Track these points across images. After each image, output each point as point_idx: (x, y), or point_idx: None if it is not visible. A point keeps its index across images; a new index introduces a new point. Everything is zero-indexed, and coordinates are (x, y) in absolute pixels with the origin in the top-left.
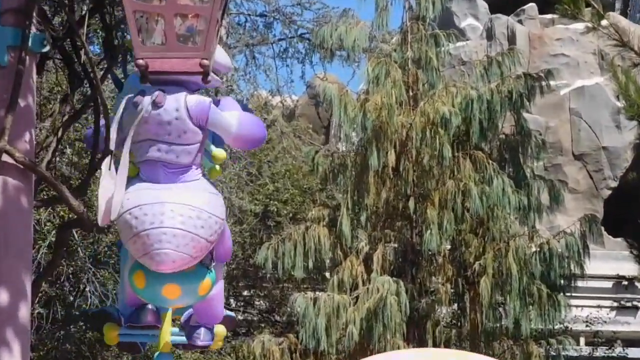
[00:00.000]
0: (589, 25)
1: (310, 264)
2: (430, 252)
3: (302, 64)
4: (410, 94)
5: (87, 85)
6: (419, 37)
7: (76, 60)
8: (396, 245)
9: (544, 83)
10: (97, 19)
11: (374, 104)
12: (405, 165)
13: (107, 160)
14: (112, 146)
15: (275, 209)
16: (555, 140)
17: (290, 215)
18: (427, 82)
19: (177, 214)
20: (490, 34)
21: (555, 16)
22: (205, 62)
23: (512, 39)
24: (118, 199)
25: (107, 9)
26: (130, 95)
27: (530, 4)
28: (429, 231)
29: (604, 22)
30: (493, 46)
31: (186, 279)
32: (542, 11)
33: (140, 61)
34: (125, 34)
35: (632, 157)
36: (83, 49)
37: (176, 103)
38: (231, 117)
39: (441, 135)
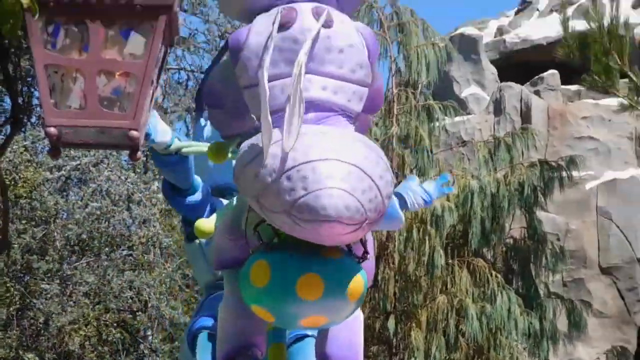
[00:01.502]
0: (625, 102)
1: None
2: None
3: None
4: (395, 181)
5: None
6: (408, 109)
7: None
8: None
9: (565, 174)
10: None
11: None
12: (385, 273)
13: (265, 79)
14: (265, 74)
15: None
16: (577, 248)
17: None
18: (416, 167)
19: (351, 148)
20: (498, 107)
21: (582, 88)
22: (135, 133)
23: (526, 114)
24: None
25: (12, 58)
26: (279, 9)
27: (552, 71)
28: (412, 359)
29: None
30: (502, 123)
31: (331, 269)
32: (565, 81)
33: (52, 129)
34: (34, 89)
35: None
36: None
37: (346, 25)
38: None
39: (432, 237)
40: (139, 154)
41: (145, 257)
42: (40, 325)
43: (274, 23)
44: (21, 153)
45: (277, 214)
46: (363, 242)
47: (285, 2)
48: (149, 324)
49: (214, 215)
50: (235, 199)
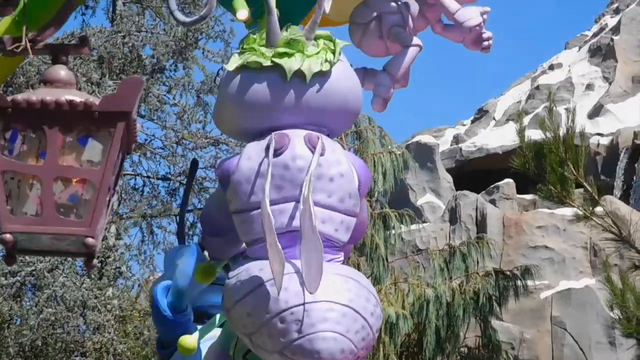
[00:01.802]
0: (579, 212)
1: None
2: None
3: None
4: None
5: None
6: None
7: None
8: None
9: (519, 283)
10: None
11: None
12: None
13: (267, 206)
14: (266, 201)
15: None
16: (531, 357)
17: None
18: (371, 275)
19: (344, 288)
20: (454, 216)
21: (537, 197)
22: (91, 241)
23: (481, 223)
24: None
25: None
26: (271, 136)
27: (507, 180)
28: None
29: (598, 209)
30: (457, 232)
31: None
32: (521, 190)
33: (8, 236)
34: None
35: None
36: None
37: (336, 154)
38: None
39: (386, 345)
40: (95, 261)
41: None
42: None
43: (267, 148)
44: None
45: (269, 353)
46: None
47: (278, 128)
48: None
49: (197, 333)
50: (218, 317)
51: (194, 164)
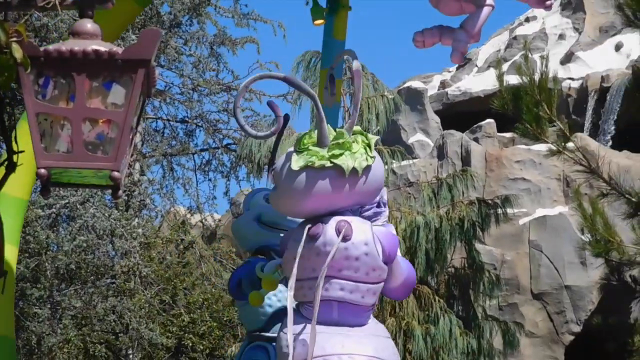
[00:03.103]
0: (553, 147)
1: None
2: None
3: (226, 178)
4: None
5: None
6: None
7: None
8: None
9: (500, 211)
10: None
11: None
12: None
13: (292, 293)
14: (292, 282)
15: (191, 344)
16: (511, 277)
17: (208, 351)
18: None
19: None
20: (441, 153)
21: (515, 135)
22: (116, 174)
23: (466, 159)
24: (290, 350)
25: (6, 108)
26: (303, 224)
27: (488, 120)
28: None
29: (570, 145)
30: (444, 166)
31: None
32: (501, 129)
33: (42, 171)
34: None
35: (599, 298)
36: None
37: (364, 234)
38: (401, 260)
39: None
40: (120, 192)
41: (127, 285)
42: (34, 345)
43: (303, 238)
44: None
45: None
46: None
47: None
48: (130, 344)
49: (263, 290)
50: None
51: (286, 118)
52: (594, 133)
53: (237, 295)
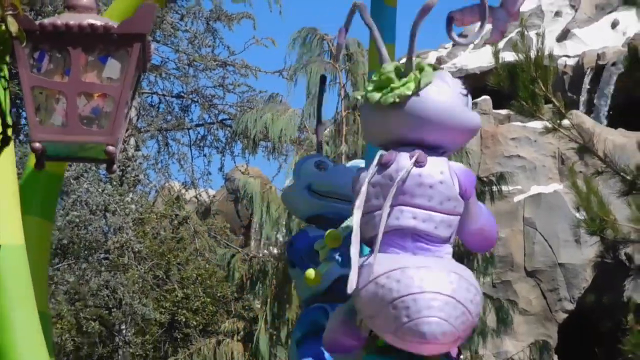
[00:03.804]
0: (548, 125)
1: None
2: None
3: (221, 154)
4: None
5: None
6: (355, 129)
7: None
8: None
9: (495, 188)
10: None
11: None
12: None
13: (359, 216)
14: (358, 213)
15: (184, 319)
16: (505, 254)
17: (201, 326)
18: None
19: (447, 280)
20: None
21: (511, 112)
22: (111, 148)
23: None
24: (355, 270)
25: (1, 82)
26: (381, 153)
27: (484, 97)
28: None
29: (565, 122)
30: None
31: None
32: (496, 105)
33: (37, 144)
34: (21, 110)
35: (592, 276)
36: None
37: (440, 165)
38: (479, 205)
39: None
40: (115, 167)
41: (120, 260)
42: None
43: (379, 163)
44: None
45: (385, 333)
46: (459, 347)
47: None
48: (123, 319)
49: (322, 265)
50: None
51: (323, 80)
52: (590, 110)
53: (299, 262)
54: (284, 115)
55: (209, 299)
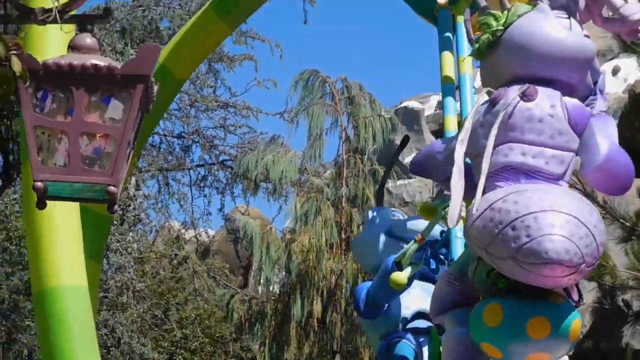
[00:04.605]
0: None
1: None
2: None
3: (221, 194)
4: (343, 235)
5: None
6: (356, 172)
7: None
8: None
9: None
10: None
11: (301, 246)
12: (332, 317)
13: (461, 151)
14: (460, 147)
15: (182, 359)
16: None
17: None
18: (362, 223)
19: (567, 201)
20: None
21: None
22: (113, 189)
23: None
24: (455, 209)
25: (4, 121)
26: (489, 90)
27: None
28: None
29: None
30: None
31: (556, 312)
32: None
33: (39, 184)
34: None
35: (591, 322)
36: None
37: (550, 99)
38: (603, 141)
39: None
40: (116, 207)
41: (119, 299)
42: (25, 358)
43: (479, 102)
44: (12, 205)
45: (503, 260)
46: (578, 288)
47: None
48: (121, 358)
49: (408, 269)
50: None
51: (406, 139)
52: None
53: (367, 312)
54: (284, 157)
55: (207, 340)
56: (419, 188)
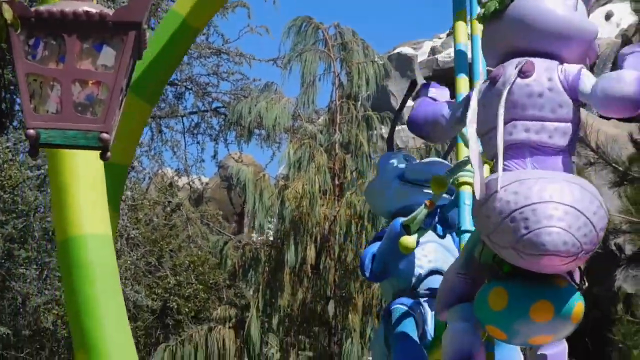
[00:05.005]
0: None
1: None
2: None
3: (215, 141)
4: (336, 182)
5: None
6: (349, 119)
7: None
8: (312, 354)
9: None
10: None
11: (294, 192)
12: (326, 263)
13: (473, 130)
14: (472, 127)
15: (176, 306)
16: None
17: (193, 313)
18: (355, 170)
19: (567, 191)
20: None
21: None
22: (105, 136)
23: (413, 82)
24: (480, 182)
25: None
26: (489, 69)
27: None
28: (349, 340)
29: None
30: None
31: (559, 296)
32: None
33: (31, 131)
34: (15, 96)
35: (583, 266)
36: None
37: (548, 72)
38: (596, 81)
39: (368, 231)
40: (108, 154)
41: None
42: (19, 305)
43: (480, 83)
44: (4, 153)
45: (505, 248)
46: (581, 271)
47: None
48: None
49: (416, 235)
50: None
51: (413, 83)
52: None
53: (374, 273)
54: (278, 104)
55: (201, 286)
56: (412, 134)
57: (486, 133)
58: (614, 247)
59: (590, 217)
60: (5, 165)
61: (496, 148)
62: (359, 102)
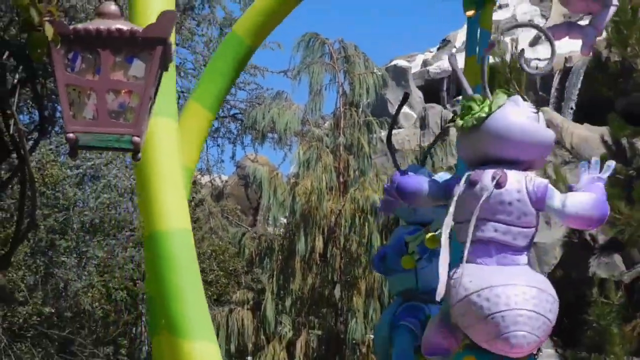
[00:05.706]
0: None
1: (233, 348)
2: (354, 342)
3: (233, 144)
4: (341, 179)
5: (16, 156)
6: (352, 123)
7: (5, 130)
8: (320, 332)
9: None
10: (28, 89)
11: (304, 189)
12: (332, 251)
13: (447, 231)
14: (449, 221)
15: None
16: None
17: (215, 297)
18: (358, 169)
19: (529, 296)
20: (423, 123)
21: None
22: (137, 139)
23: (445, 129)
24: (443, 280)
25: (39, 80)
26: (469, 173)
27: None
28: (354, 320)
29: None
30: (426, 135)
31: None
32: None
33: (70, 135)
34: (56, 105)
35: (561, 254)
36: (13, 120)
37: (518, 183)
38: (563, 199)
39: (370, 223)
40: (139, 155)
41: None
42: (61, 290)
43: (467, 181)
44: (47, 155)
45: (479, 341)
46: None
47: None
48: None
49: (414, 254)
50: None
51: (406, 96)
52: (559, 108)
53: (381, 269)
54: (288, 110)
55: (222, 272)
56: (407, 137)
57: (461, 222)
58: (588, 237)
59: (546, 315)
60: (48, 165)
61: (467, 236)
62: (361, 109)
